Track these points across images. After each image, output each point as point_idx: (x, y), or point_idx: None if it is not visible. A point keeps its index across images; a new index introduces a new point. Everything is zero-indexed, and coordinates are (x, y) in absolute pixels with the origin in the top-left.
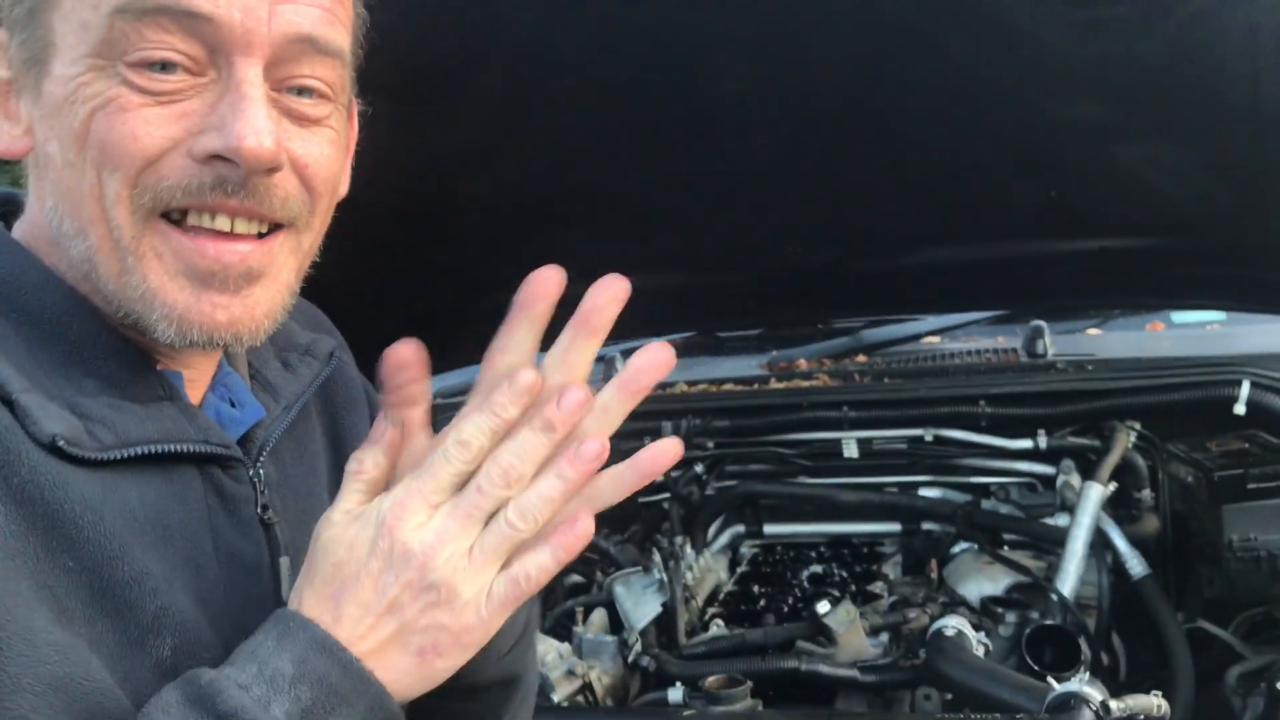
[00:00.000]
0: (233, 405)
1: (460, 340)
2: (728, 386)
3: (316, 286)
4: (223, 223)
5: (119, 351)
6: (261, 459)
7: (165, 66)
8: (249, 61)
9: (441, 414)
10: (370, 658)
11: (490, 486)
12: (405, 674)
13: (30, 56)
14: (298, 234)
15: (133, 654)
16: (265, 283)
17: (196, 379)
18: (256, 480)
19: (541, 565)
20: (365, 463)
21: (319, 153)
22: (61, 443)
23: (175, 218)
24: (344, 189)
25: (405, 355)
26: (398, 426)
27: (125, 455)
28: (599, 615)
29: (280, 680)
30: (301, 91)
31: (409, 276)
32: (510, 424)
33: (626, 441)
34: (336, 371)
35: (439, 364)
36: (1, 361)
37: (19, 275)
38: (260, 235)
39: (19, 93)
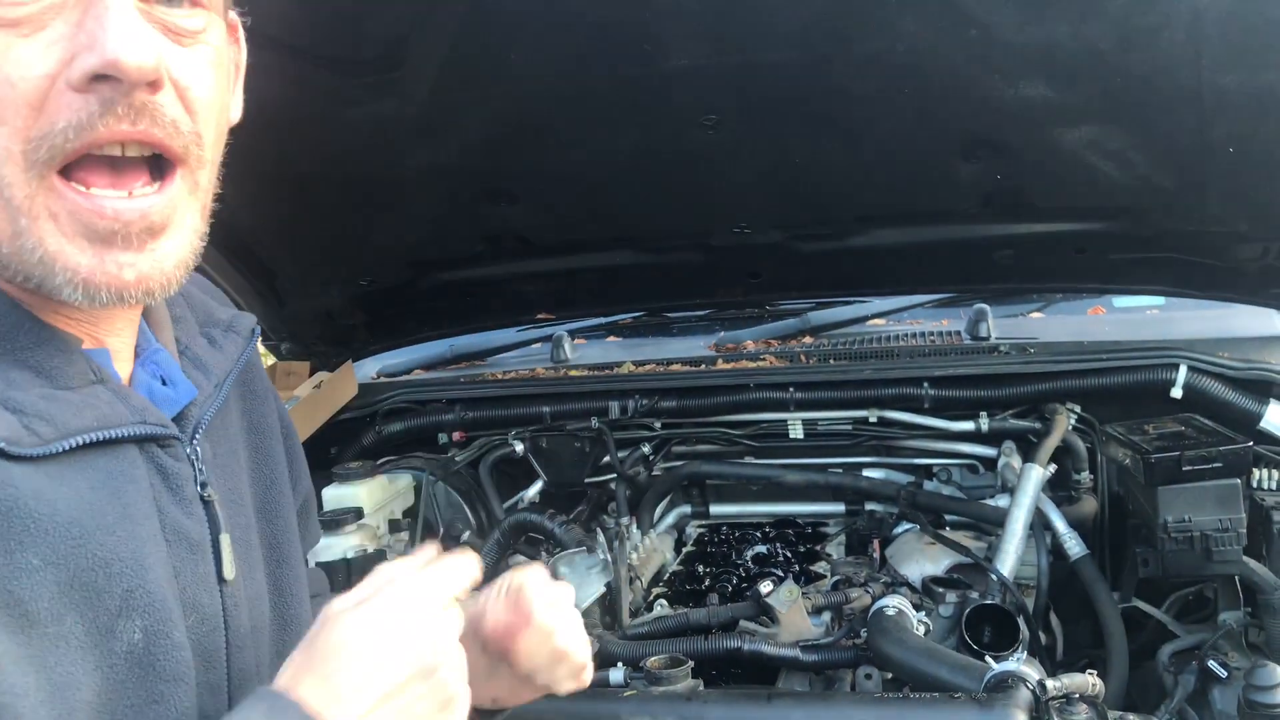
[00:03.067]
0: (164, 383)
1: (405, 317)
2: (675, 367)
3: (258, 258)
4: (113, 150)
5: (45, 340)
6: (197, 437)
7: None
8: None
9: (388, 392)
10: None
11: None
12: None
13: None
14: (191, 172)
15: (103, 642)
16: (170, 233)
17: (121, 349)
18: (194, 458)
19: None
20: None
21: (200, 74)
22: (2, 444)
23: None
24: (235, 115)
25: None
26: None
27: (67, 446)
28: None
29: None
30: (173, 2)
31: (354, 250)
32: None
33: (575, 422)
34: (253, 352)
35: (384, 340)
36: None
37: None
38: (153, 168)
39: None
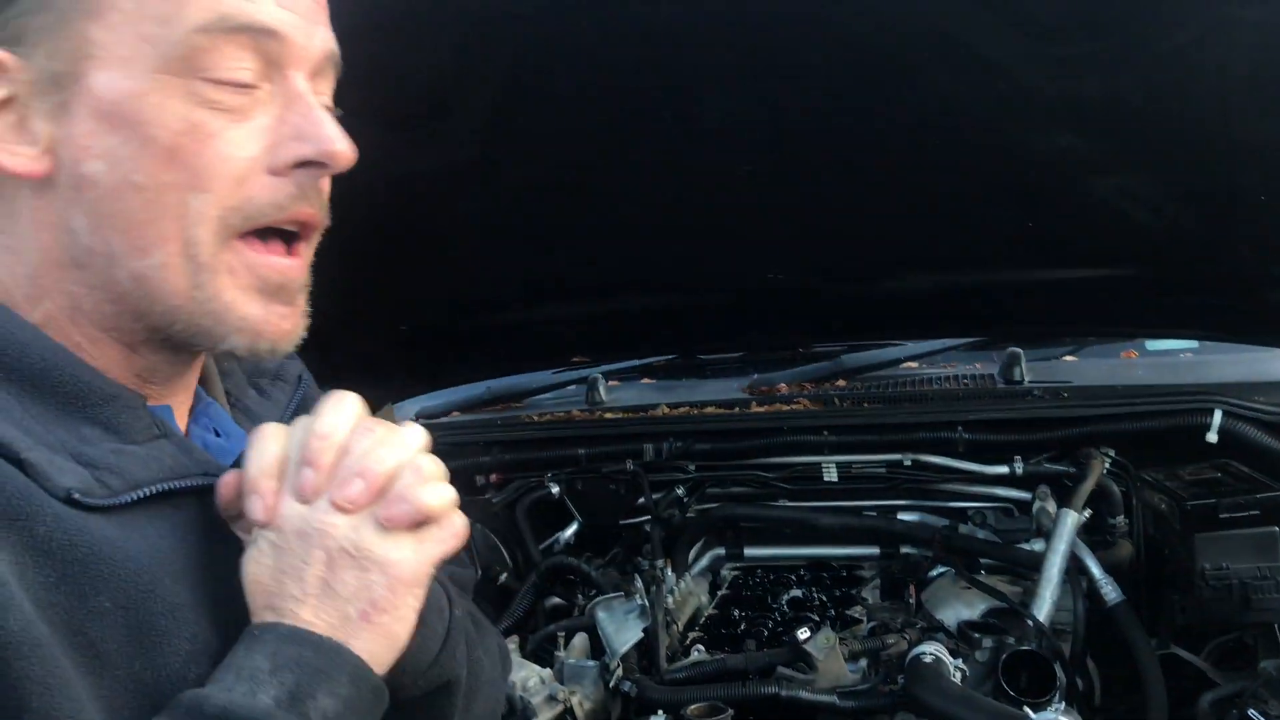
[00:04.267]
0: (217, 434)
1: (443, 361)
2: (709, 409)
3: None
4: (291, 227)
5: (113, 396)
6: None
7: (243, 85)
8: (301, 75)
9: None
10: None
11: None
12: (371, 647)
13: (56, 71)
14: (311, 243)
15: (174, 688)
16: (303, 292)
17: (179, 406)
18: None
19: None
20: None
21: None
22: (76, 494)
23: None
24: None
25: None
26: None
27: (136, 498)
28: (580, 640)
29: (260, 674)
30: (323, 92)
31: (394, 296)
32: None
33: (610, 464)
34: (305, 395)
35: (423, 383)
36: (3, 423)
37: (3, 334)
38: (284, 239)
39: (35, 110)
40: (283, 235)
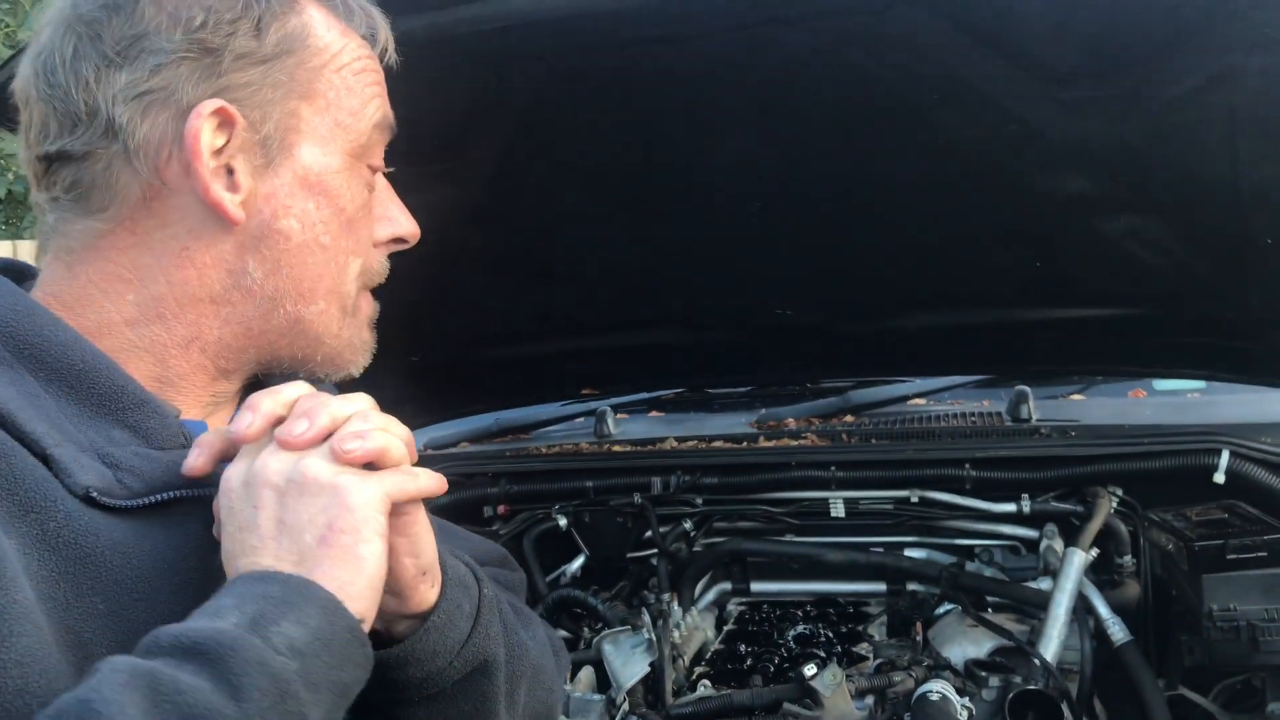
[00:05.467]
0: None
1: (453, 392)
2: (717, 444)
3: None
4: None
5: (145, 402)
6: None
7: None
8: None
9: (433, 465)
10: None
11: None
12: (337, 575)
13: (270, 136)
14: None
15: None
16: None
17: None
18: None
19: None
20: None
21: None
22: (94, 493)
23: None
24: None
25: None
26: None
27: (153, 501)
28: (586, 673)
29: (223, 610)
30: None
31: (406, 327)
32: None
33: (617, 497)
34: None
35: (433, 414)
36: (36, 419)
37: (47, 336)
38: None
39: (241, 164)
40: None
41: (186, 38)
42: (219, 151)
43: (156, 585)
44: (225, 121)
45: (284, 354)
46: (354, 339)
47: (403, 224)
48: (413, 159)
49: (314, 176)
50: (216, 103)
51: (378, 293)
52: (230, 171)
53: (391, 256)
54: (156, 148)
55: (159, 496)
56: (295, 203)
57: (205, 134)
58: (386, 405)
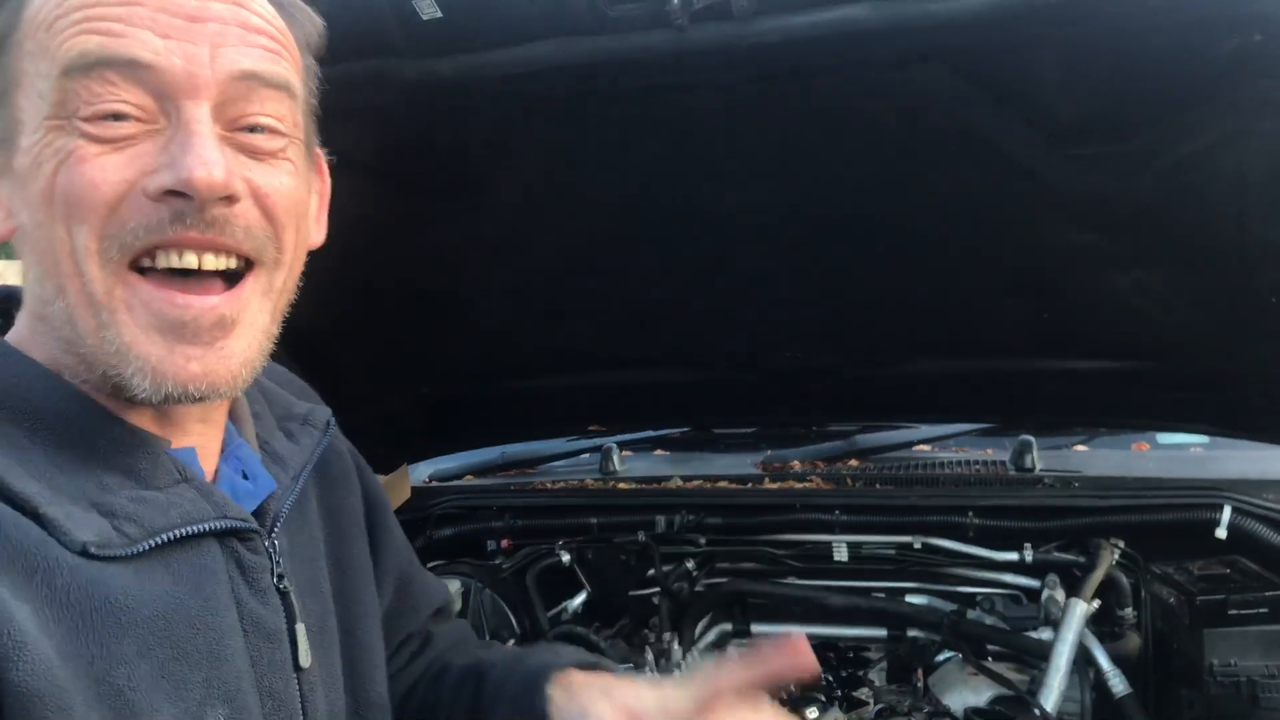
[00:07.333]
0: (245, 477)
1: (461, 424)
2: (722, 484)
3: (323, 363)
4: (190, 259)
5: (134, 443)
6: (276, 530)
7: (117, 117)
8: (196, 103)
9: (438, 497)
10: None
11: None
12: None
13: (2, 139)
14: (268, 273)
15: None
16: (239, 331)
17: (206, 446)
18: (272, 551)
19: None
20: None
21: (278, 183)
22: (92, 549)
23: (144, 266)
24: (317, 238)
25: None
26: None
27: (153, 545)
28: None
29: None
30: (254, 129)
31: (416, 359)
32: None
33: (621, 534)
34: (331, 443)
35: (440, 445)
36: (23, 475)
37: (26, 383)
38: (229, 278)
39: None
40: (224, 276)
41: None
42: None
43: (173, 622)
44: None
45: (100, 372)
46: (118, 342)
47: (173, 171)
48: (436, 194)
49: (28, 158)
50: None
51: (388, 323)
52: None
53: (404, 286)
54: None
55: (160, 539)
56: (16, 196)
57: None
58: (396, 435)
